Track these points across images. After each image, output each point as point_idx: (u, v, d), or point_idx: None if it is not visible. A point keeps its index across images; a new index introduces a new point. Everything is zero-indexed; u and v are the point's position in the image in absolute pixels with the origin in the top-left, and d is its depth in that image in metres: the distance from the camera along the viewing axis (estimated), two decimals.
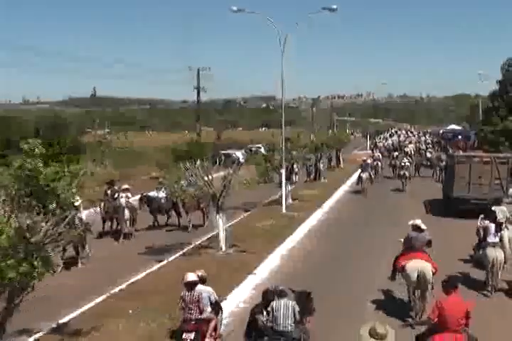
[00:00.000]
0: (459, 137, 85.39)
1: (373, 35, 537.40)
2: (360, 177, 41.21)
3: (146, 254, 22.70)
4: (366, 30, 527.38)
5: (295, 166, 38.92)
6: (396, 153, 54.22)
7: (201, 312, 12.68)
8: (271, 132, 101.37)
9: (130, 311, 15.61)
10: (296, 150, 36.64)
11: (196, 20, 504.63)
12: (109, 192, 26.36)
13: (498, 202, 22.64)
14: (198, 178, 21.64)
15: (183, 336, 12.51)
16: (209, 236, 24.72)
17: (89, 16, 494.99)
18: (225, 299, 15.12)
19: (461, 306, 10.97)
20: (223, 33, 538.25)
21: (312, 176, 47.73)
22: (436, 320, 11.01)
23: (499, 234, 18.48)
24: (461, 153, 37.36)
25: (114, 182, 27.76)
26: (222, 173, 22.78)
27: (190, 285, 12.74)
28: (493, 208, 21.38)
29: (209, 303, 12.85)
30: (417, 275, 15.24)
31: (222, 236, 22.01)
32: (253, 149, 63.15)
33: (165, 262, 21.19)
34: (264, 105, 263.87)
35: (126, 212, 25.44)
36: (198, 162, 22.14)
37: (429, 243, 16.39)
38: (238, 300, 17.03)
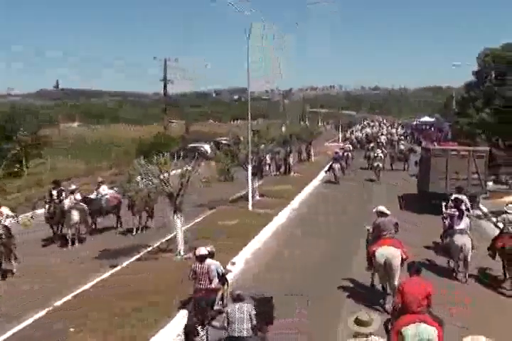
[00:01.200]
0: (432, 129, 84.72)
1: (345, 26, 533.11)
2: (332, 168, 41.81)
3: (98, 259, 20.95)
4: (338, 22, 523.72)
5: (267, 158, 38.96)
6: (372, 145, 54.01)
7: (210, 282, 14.17)
8: (242, 124, 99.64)
9: (71, 329, 13.93)
10: (263, 144, 34.71)
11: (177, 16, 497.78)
12: (54, 193, 23.94)
13: (459, 190, 23.22)
14: (153, 176, 19.75)
15: (196, 306, 13.95)
16: (168, 237, 22.65)
17: (84, 15, 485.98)
18: (231, 271, 16.62)
19: (421, 288, 11.27)
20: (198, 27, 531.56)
21: (282, 170, 46.27)
22: (400, 301, 11.28)
23: (463, 220, 18.84)
24: (436, 146, 36.00)
25: (60, 182, 25.64)
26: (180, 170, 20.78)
27: (201, 258, 14.34)
28: (456, 196, 21.59)
29: (217, 275, 14.34)
30: (385, 261, 15.68)
31: (180, 238, 20.22)
32: (222, 142, 61.15)
33: (119, 268, 19.49)
34: (236, 97, 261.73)
35: (75, 215, 23.10)
36: (155, 157, 20.19)
37: (396, 225, 16.62)
38: None
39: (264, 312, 11.67)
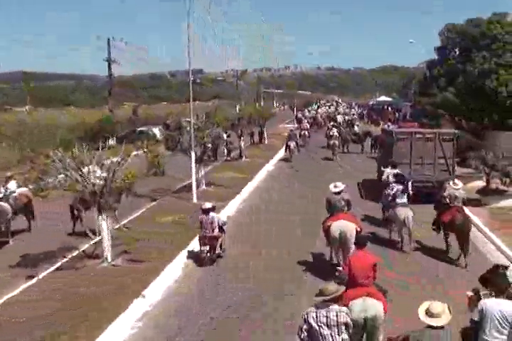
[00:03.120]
0: (390, 109, 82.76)
1: (299, 6, 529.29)
2: (287, 146, 43.13)
3: (13, 268, 17.42)
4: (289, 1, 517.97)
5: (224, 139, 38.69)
6: (332, 123, 56.02)
7: (213, 230, 17.90)
8: (195, 105, 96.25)
9: None
10: (208, 128, 31.50)
11: None
12: None
13: (394, 165, 24.22)
14: (71, 171, 16.55)
15: (201, 248, 17.91)
16: (96, 240, 18.79)
17: None
18: (227, 223, 19.25)
19: (367, 260, 11.60)
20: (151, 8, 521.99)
21: (233, 155, 43.54)
22: (347, 274, 11.58)
23: (406, 194, 19.85)
24: (398, 128, 33.87)
25: None
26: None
27: (207, 211, 17.99)
28: (397, 171, 23.06)
29: (217, 225, 18.02)
30: (339, 234, 16.29)
31: (106, 243, 17.14)
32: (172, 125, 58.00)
33: (34, 280, 16.17)
34: (191, 78, 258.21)
35: None
36: (74, 149, 16.98)
37: (348, 202, 17.33)
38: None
39: None
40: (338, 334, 9.11)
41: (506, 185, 26.50)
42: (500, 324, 8.90)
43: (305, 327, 9.16)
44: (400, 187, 19.88)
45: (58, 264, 17.51)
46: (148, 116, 76.03)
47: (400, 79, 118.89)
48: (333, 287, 9.42)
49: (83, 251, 18.63)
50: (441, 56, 46.17)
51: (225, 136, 41.25)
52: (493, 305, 9.02)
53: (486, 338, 8.97)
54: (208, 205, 18.05)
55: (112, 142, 57.19)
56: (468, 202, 25.69)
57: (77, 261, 17.61)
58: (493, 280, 9.54)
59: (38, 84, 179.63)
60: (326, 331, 9.05)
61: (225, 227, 18.50)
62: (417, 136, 27.21)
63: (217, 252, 18.01)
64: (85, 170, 16.56)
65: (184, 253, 18.87)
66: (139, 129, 57.58)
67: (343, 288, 9.75)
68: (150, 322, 13.60)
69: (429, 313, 8.65)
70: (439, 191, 26.33)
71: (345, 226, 16.33)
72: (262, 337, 12.69)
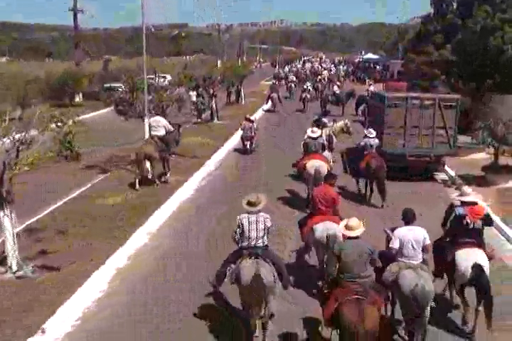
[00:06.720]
0: (377, 67, 79.35)
1: None
2: (270, 97, 45.63)
3: None
4: None
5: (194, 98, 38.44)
6: (319, 77, 60.42)
7: (251, 132, 28.38)
8: (177, 60, 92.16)
9: None
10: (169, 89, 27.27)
11: None
12: None
13: (324, 112, 31.19)
14: None
15: (245, 143, 28.33)
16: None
17: None
18: (258, 129, 29.44)
19: (328, 193, 13.07)
20: None
21: (205, 116, 39.24)
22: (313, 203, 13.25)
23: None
24: (374, 87, 30.16)
25: None
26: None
27: (250, 121, 28.99)
28: (316, 118, 25.18)
29: (254, 129, 28.56)
30: (314, 171, 18.24)
31: (10, 247, 12.89)
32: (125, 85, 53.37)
33: None
34: (176, 32, 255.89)
35: None
36: None
37: (322, 146, 20.06)
38: None
39: None
40: (262, 236, 10.56)
41: None
42: (413, 247, 10.35)
43: (238, 230, 10.58)
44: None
45: None
46: (121, 70, 71.18)
47: (389, 36, 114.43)
48: (260, 197, 10.76)
49: None
50: (438, 10, 41.75)
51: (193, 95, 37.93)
52: (406, 232, 10.48)
53: (404, 260, 10.37)
54: (251, 117, 29.71)
55: (78, 99, 53.03)
56: (472, 179, 22.18)
57: None
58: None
59: (20, 36, 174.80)
60: (253, 233, 10.48)
61: (256, 131, 28.70)
62: (413, 101, 23.17)
63: (253, 146, 28.50)
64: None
65: (120, 253, 14.56)
66: (106, 85, 53.08)
67: (266, 200, 10.91)
68: None
69: (347, 227, 9.98)
70: (437, 167, 23.33)
71: (318, 164, 18.44)
72: None
